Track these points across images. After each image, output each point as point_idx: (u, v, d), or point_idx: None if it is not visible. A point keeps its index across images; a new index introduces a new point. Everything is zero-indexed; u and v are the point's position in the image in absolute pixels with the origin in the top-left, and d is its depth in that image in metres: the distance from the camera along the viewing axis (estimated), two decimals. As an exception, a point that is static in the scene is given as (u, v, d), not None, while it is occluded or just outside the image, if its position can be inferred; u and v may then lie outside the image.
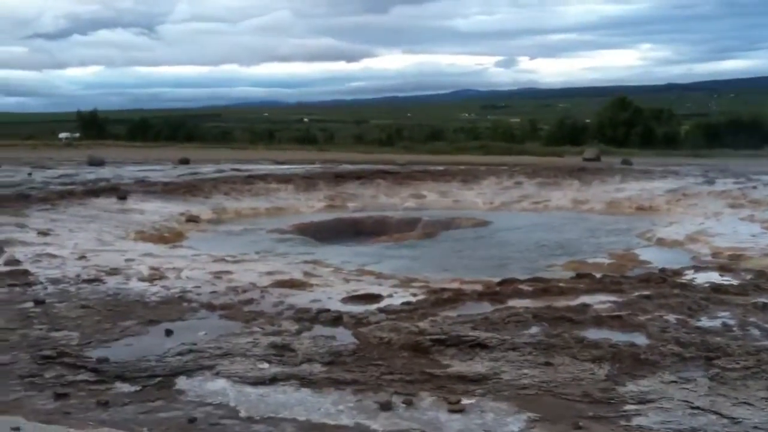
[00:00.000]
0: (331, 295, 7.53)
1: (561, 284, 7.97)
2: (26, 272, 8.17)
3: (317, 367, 5.05)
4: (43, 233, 11.26)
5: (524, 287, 7.80)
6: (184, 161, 25.01)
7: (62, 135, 52.41)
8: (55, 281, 7.80)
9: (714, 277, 8.68)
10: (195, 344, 5.55)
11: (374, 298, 7.41)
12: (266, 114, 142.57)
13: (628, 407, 4.38)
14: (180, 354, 5.31)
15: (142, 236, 12.88)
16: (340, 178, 20.88)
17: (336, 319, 6.36)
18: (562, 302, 7.04)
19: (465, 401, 4.44)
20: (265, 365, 5.09)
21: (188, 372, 4.95)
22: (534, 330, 5.96)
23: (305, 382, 4.77)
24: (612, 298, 7.21)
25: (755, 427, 4.12)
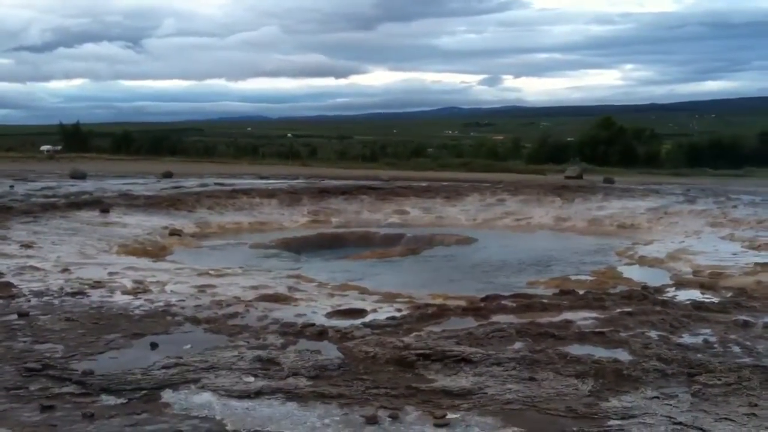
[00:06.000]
0: (315, 310, 7.55)
1: (544, 300, 8.03)
2: (9, 285, 8.12)
3: (303, 381, 5.05)
4: (26, 246, 11.21)
5: (508, 303, 7.85)
6: (168, 175, 25.02)
7: (44, 147, 52.28)
8: (38, 294, 7.77)
9: (695, 294, 8.78)
10: (180, 357, 5.54)
11: (359, 312, 7.43)
12: (249, 129, 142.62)
13: (611, 422, 4.42)
14: (165, 367, 5.30)
15: (125, 249, 12.83)
16: (324, 193, 20.89)
17: (321, 334, 6.37)
18: (545, 318, 7.09)
19: (450, 416, 4.46)
20: (251, 379, 5.10)
21: (174, 385, 4.93)
22: (518, 345, 6.01)
23: (291, 395, 4.78)
24: (595, 314, 7.27)
25: (736, 443, 4.17)
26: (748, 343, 6.27)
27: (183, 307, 7.38)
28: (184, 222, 16.47)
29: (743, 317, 7.21)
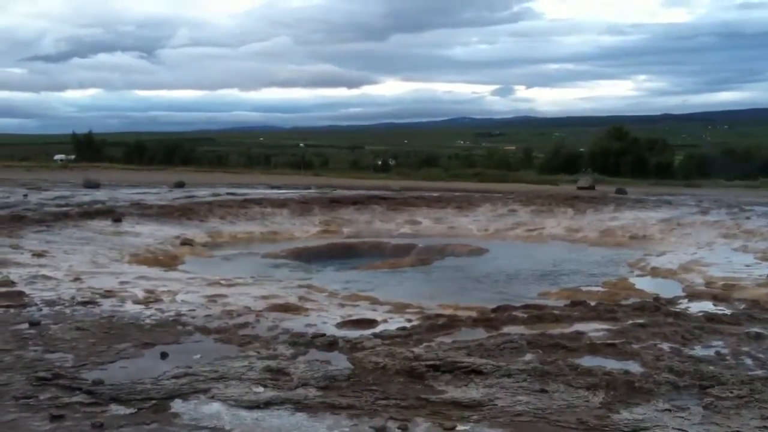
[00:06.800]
0: (326, 320, 7.54)
1: (555, 312, 7.99)
2: (21, 293, 8.16)
3: (312, 392, 5.04)
4: (38, 255, 11.25)
5: (519, 314, 7.82)
6: (180, 185, 25.10)
7: (58, 157, 52.74)
8: (50, 303, 7.79)
9: (708, 306, 8.71)
10: (190, 367, 5.54)
11: (369, 323, 7.42)
12: (261, 138, 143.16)
13: (622, 435, 4.39)
14: (175, 377, 5.30)
15: (137, 259, 12.87)
16: (335, 203, 20.89)
17: (331, 344, 6.36)
18: (556, 329, 7.07)
19: (460, 427, 4.45)
20: (261, 389, 5.09)
21: (183, 395, 4.93)
22: (529, 357, 5.98)
23: (300, 406, 4.77)
24: (606, 326, 7.23)
25: (749, 456, 4.13)
26: (760, 355, 6.22)
27: (194, 317, 7.39)
28: (195, 231, 16.51)
29: (756, 329, 7.15)
